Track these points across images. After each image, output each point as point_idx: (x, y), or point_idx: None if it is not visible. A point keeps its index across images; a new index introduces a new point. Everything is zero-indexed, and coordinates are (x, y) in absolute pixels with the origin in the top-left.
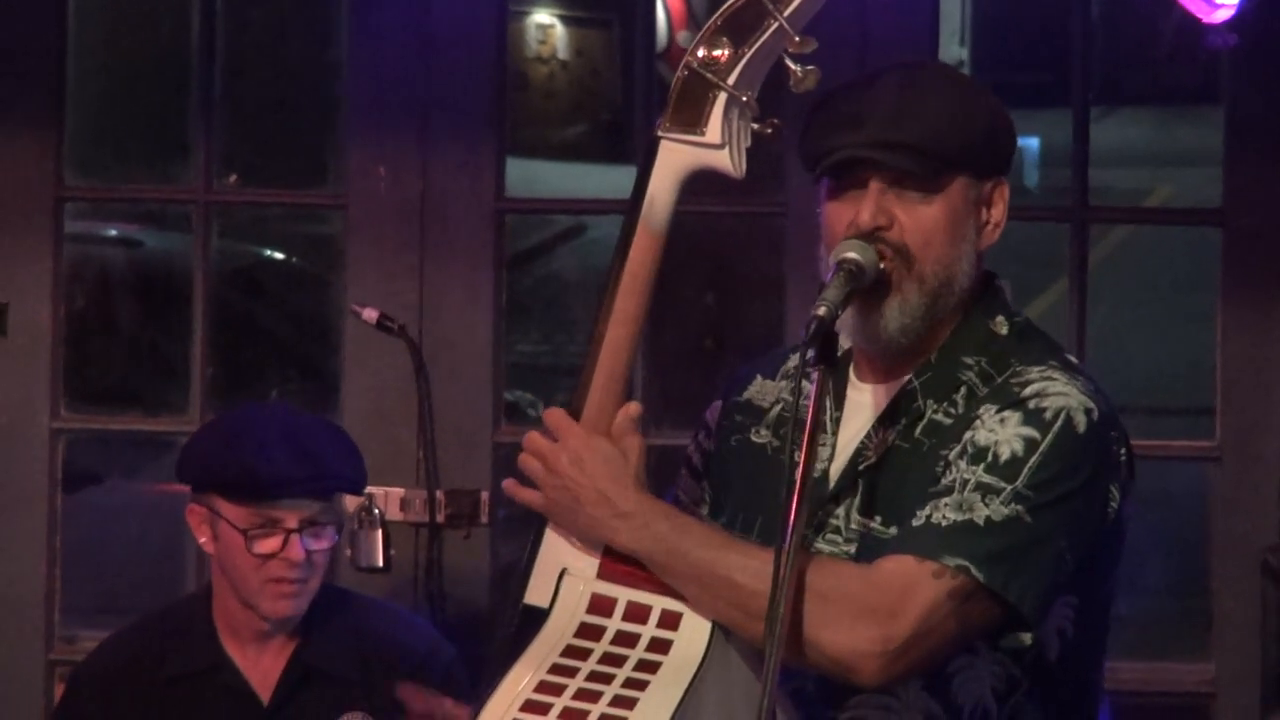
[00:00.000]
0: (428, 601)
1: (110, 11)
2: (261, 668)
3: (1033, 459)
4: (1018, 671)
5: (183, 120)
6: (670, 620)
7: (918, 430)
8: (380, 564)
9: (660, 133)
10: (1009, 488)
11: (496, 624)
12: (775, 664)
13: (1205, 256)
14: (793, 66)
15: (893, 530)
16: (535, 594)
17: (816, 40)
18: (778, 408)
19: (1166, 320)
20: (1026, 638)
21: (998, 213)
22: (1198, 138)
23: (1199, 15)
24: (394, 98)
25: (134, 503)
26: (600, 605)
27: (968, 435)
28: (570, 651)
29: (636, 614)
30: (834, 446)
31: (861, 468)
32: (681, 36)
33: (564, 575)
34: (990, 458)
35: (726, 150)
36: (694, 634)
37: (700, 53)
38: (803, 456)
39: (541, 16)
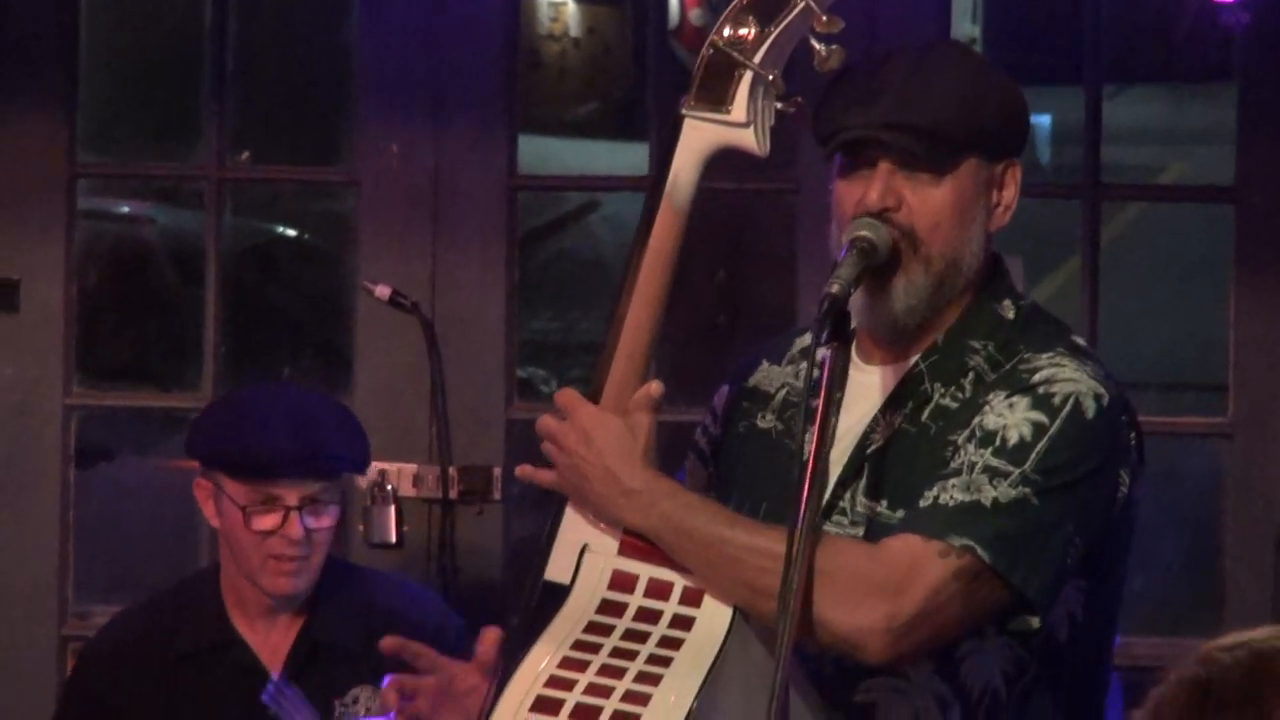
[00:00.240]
0: (440, 577)
1: None
2: (271, 643)
3: (1041, 443)
4: (1026, 655)
5: (195, 97)
6: (692, 597)
7: (925, 414)
8: (393, 540)
9: (685, 111)
10: (1017, 471)
11: (517, 600)
12: (789, 643)
13: (1218, 234)
14: (817, 46)
15: (899, 514)
16: (556, 570)
17: (843, 20)
18: (783, 393)
19: (1179, 298)
20: (1034, 621)
21: (1009, 195)
22: (1210, 116)
23: None
24: (406, 75)
25: (147, 479)
26: (622, 582)
27: (976, 420)
28: (593, 628)
29: (658, 590)
30: (836, 429)
31: (868, 451)
32: (694, 14)
33: (585, 551)
34: (999, 441)
35: (751, 129)
36: (716, 611)
37: (726, 31)
38: (815, 433)
39: None
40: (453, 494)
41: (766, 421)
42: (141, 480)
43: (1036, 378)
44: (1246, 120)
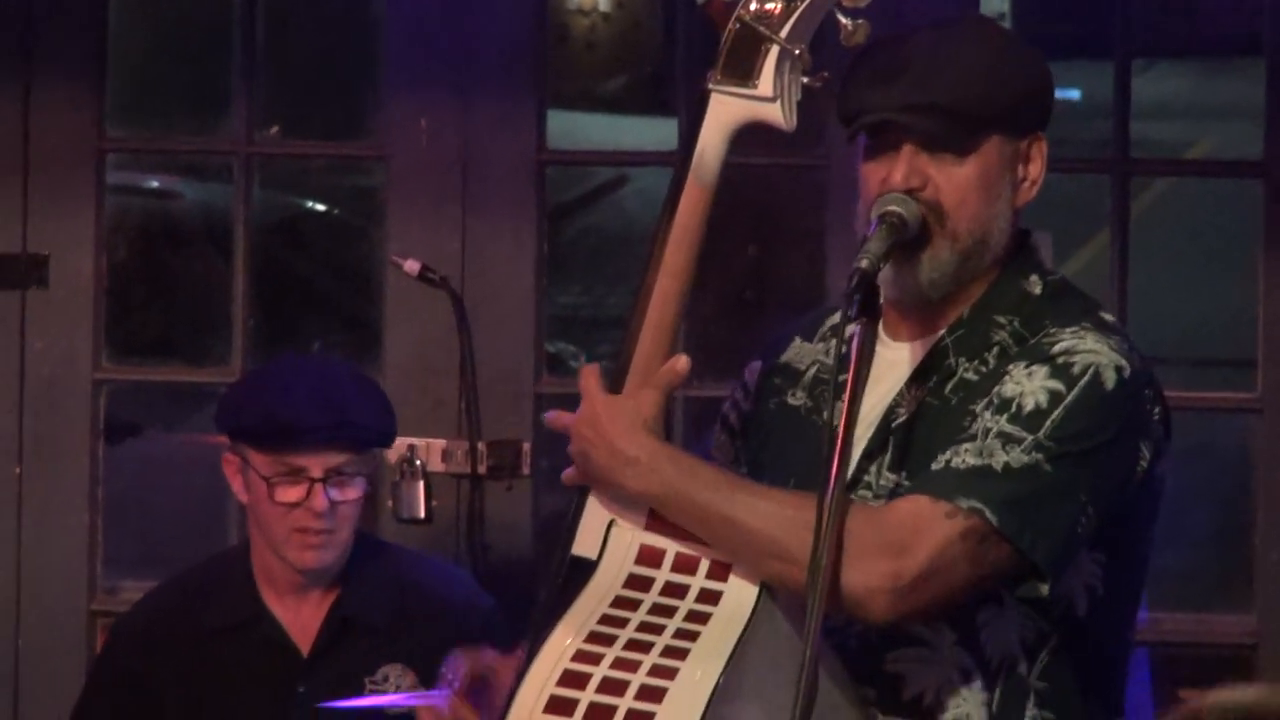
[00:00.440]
0: (469, 553)
1: None
2: (301, 619)
3: (1056, 412)
4: (1046, 626)
5: (224, 72)
6: (719, 572)
7: (948, 387)
8: (422, 515)
9: (711, 85)
10: (1030, 437)
11: (544, 575)
12: (818, 615)
13: (1247, 209)
14: (844, 20)
15: None
16: (583, 545)
17: None
18: (814, 370)
19: (1208, 272)
20: (1043, 588)
21: (1035, 169)
22: (1239, 90)
23: None
24: (435, 50)
25: (176, 454)
26: (649, 556)
27: (995, 388)
28: (619, 602)
29: (685, 565)
30: (862, 403)
31: (894, 425)
32: None
33: (612, 526)
34: (1014, 408)
35: (778, 103)
36: (743, 586)
37: (753, 6)
38: (845, 404)
39: None
40: (482, 469)
41: (797, 399)
42: (170, 455)
43: (1057, 348)
44: (1275, 95)
